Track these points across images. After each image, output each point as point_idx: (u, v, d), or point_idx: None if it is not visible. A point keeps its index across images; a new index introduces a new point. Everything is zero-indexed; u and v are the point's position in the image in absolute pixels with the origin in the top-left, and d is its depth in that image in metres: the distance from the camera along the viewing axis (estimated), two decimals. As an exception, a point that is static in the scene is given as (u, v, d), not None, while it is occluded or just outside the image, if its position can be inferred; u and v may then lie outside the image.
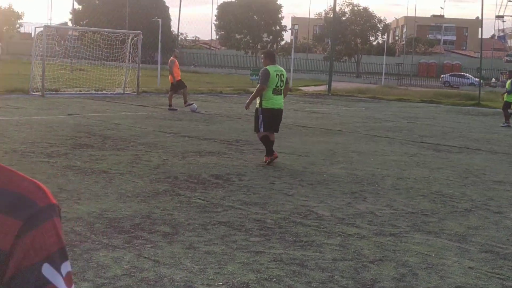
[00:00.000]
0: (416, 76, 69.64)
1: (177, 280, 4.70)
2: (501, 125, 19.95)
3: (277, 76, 10.00)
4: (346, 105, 26.99)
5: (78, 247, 5.39)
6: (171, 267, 4.97)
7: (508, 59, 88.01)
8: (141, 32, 26.09)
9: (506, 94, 20.55)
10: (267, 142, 10.09)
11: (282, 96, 10.23)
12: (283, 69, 10.36)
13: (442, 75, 64.15)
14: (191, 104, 19.14)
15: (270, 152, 10.06)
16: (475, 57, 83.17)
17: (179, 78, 19.40)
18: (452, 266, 5.34)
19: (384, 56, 55.43)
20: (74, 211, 6.56)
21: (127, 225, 6.13)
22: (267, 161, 10.00)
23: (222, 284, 4.66)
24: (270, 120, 10.08)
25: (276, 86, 10.00)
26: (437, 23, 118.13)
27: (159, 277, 4.74)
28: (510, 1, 74.97)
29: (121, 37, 26.89)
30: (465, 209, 7.58)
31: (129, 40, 26.00)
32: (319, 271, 5.05)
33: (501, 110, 21.49)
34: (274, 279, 4.81)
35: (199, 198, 7.46)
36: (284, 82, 10.16)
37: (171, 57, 19.36)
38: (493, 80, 63.39)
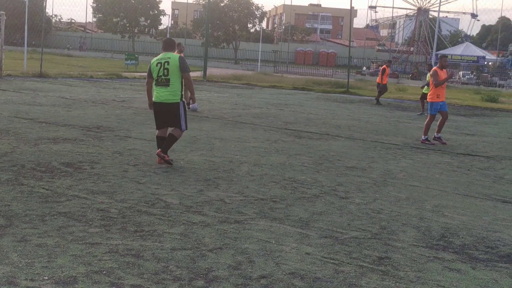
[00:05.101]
0: (293, 64, 71.21)
1: (-1, 276, 4.44)
2: (417, 114, 21.08)
3: (158, 64, 8.87)
4: (219, 91, 27.01)
5: None
6: (-5, 262, 4.69)
7: (380, 48, 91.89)
8: (3, 12, 24.79)
9: (426, 86, 21.00)
10: (158, 142, 9.27)
11: (169, 87, 8.85)
12: (172, 56, 8.91)
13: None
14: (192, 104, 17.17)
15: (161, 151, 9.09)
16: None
17: None
18: (289, 253, 5.40)
19: (260, 43, 56.05)
20: None
21: (-44, 218, 5.74)
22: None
23: (48, 279, 4.44)
24: (156, 115, 9.18)
25: (157, 76, 8.90)
26: (314, 12, 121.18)
27: (-21, 274, 4.45)
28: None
29: (-19, 17, 25.42)
30: (314, 195, 7.72)
31: (-9, 20, 24.63)
32: (154, 262, 4.94)
33: (368, 97, 22.32)
34: (104, 272, 4.65)
35: (43, 188, 7.13)
36: (171, 70, 8.81)
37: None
38: (364, 68, 65.92)
